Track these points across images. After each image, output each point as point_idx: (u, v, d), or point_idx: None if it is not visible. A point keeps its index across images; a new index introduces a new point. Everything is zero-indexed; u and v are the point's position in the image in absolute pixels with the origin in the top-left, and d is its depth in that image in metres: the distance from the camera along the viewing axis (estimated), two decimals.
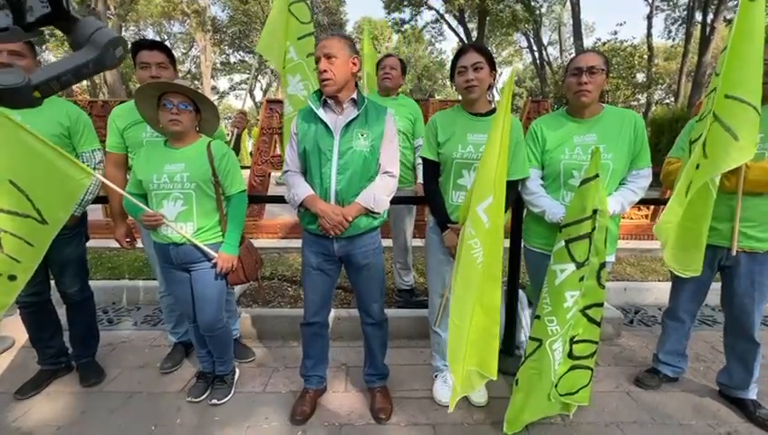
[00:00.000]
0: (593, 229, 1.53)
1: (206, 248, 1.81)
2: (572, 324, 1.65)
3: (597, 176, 1.49)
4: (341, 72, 1.61)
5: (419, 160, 2.66)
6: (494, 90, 1.92)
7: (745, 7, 1.48)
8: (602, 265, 1.60)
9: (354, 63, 1.65)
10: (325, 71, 1.59)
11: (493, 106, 1.87)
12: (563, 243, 1.59)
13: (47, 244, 1.71)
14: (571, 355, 1.70)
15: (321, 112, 1.67)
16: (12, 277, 1.64)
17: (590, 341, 1.69)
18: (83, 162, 1.99)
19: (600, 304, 1.65)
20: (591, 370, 1.73)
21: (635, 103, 19.85)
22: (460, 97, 1.92)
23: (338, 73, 1.60)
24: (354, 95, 1.69)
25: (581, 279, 1.59)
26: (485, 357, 1.65)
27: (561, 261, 1.60)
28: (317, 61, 1.62)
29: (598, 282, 1.61)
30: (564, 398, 1.74)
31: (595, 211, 1.52)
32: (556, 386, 1.72)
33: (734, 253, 1.79)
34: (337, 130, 1.65)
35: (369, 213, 1.70)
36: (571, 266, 1.57)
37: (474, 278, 1.57)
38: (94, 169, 2.01)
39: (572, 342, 1.68)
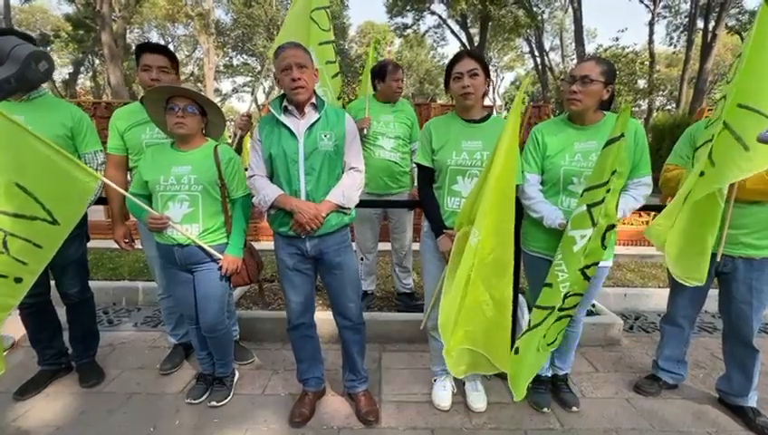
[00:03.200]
0: (608, 192, 1.53)
1: (211, 250, 1.82)
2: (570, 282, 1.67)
3: (622, 135, 1.46)
4: (311, 81, 1.71)
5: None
6: (495, 94, 1.95)
7: (765, 13, 1.45)
8: (609, 227, 1.59)
9: (315, 75, 1.76)
10: (300, 79, 1.66)
11: (486, 113, 1.88)
12: (585, 207, 1.57)
13: (57, 245, 1.72)
14: (560, 308, 1.71)
15: (283, 118, 1.72)
16: (18, 280, 1.65)
17: (578, 294, 1.71)
18: (86, 163, 2.00)
19: (597, 263, 1.66)
20: (571, 317, 1.78)
21: (636, 109, 19.90)
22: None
23: (309, 82, 1.69)
24: (314, 100, 1.75)
25: (589, 240, 1.60)
26: (498, 349, 1.72)
27: (581, 226, 1.59)
28: (287, 69, 1.66)
29: (602, 243, 1.60)
30: (550, 346, 1.80)
31: (613, 172, 1.50)
32: (544, 336, 1.75)
33: (718, 258, 1.81)
34: (300, 134, 1.70)
35: (339, 210, 1.75)
36: (590, 231, 1.58)
37: (468, 260, 1.61)
38: (96, 170, 2.03)
39: (565, 296, 1.69)
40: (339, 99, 2.80)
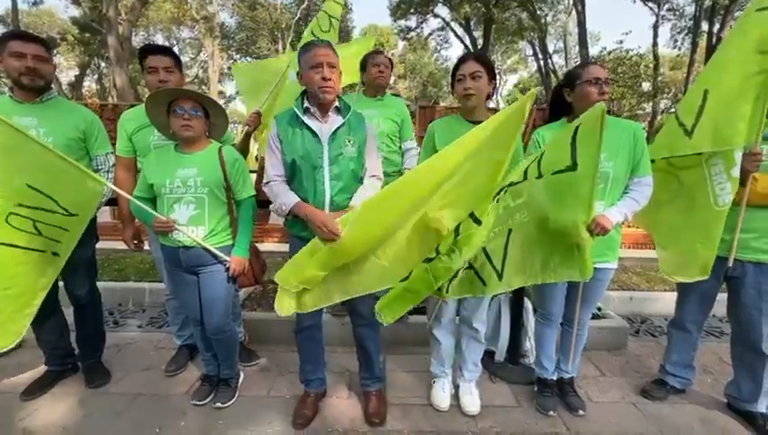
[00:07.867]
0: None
1: (217, 252, 1.82)
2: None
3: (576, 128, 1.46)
4: (339, 82, 1.71)
5: (407, 164, 2.56)
6: (498, 96, 1.96)
7: (730, 35, 1.74)
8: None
9: (340, 75, 1.74)
10: (330, 79, 1.63)
11: (490, 115, 1.87)
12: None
13: (80, 232, 1.85)
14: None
15: (306, 119, 1.68)
16: (55, 253, 1.82)
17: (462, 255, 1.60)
18: (98, 165, 2.03)
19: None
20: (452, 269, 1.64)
21: (641, 112, 19.81)
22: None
23: (337, 83, 1.68)
24: (337, 103, 1.73)
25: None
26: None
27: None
28: (317, 66, 1.63)
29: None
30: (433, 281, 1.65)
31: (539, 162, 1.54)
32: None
33: (730, 263, 1.81)
34: (324, 138, 1.68)
35: None
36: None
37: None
38: (108, 171, 2.05)
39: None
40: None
